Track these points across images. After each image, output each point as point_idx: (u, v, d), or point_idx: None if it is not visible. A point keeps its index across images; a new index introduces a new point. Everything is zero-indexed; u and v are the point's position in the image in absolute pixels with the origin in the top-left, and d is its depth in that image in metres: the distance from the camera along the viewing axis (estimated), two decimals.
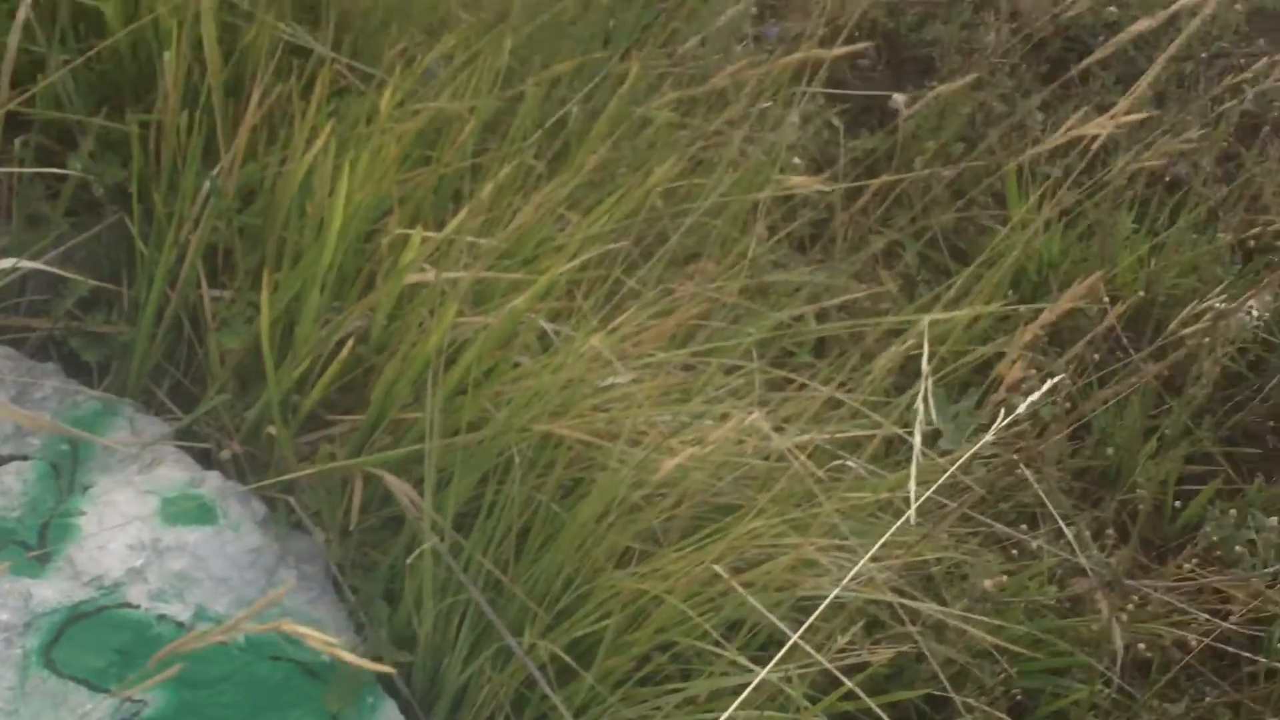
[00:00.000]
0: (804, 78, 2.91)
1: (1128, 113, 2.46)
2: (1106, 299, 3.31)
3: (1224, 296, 2.60)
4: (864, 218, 3.23)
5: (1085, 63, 3.02)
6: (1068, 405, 3.10)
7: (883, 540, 2.05)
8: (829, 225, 3.19)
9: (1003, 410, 2.11)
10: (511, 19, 2.77)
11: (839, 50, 2.47)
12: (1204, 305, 2.56)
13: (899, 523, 1.96)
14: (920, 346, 2.65)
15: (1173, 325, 2.59)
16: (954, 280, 2.85)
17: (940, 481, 2.17)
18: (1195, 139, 3.70)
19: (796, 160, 3.05)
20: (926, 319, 2.33)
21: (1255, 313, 2.65)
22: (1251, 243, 3.58)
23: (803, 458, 2.26)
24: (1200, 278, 3.52)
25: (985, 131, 3.64)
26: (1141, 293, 3.46)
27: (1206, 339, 2.75)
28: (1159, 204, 3.68)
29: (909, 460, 2.63)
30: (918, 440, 1.92)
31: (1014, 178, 3.56)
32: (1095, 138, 2.67)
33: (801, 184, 2.43)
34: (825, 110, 3.49)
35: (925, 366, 1.96)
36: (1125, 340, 3.31)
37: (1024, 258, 3.44)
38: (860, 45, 2.52)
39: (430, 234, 2.42)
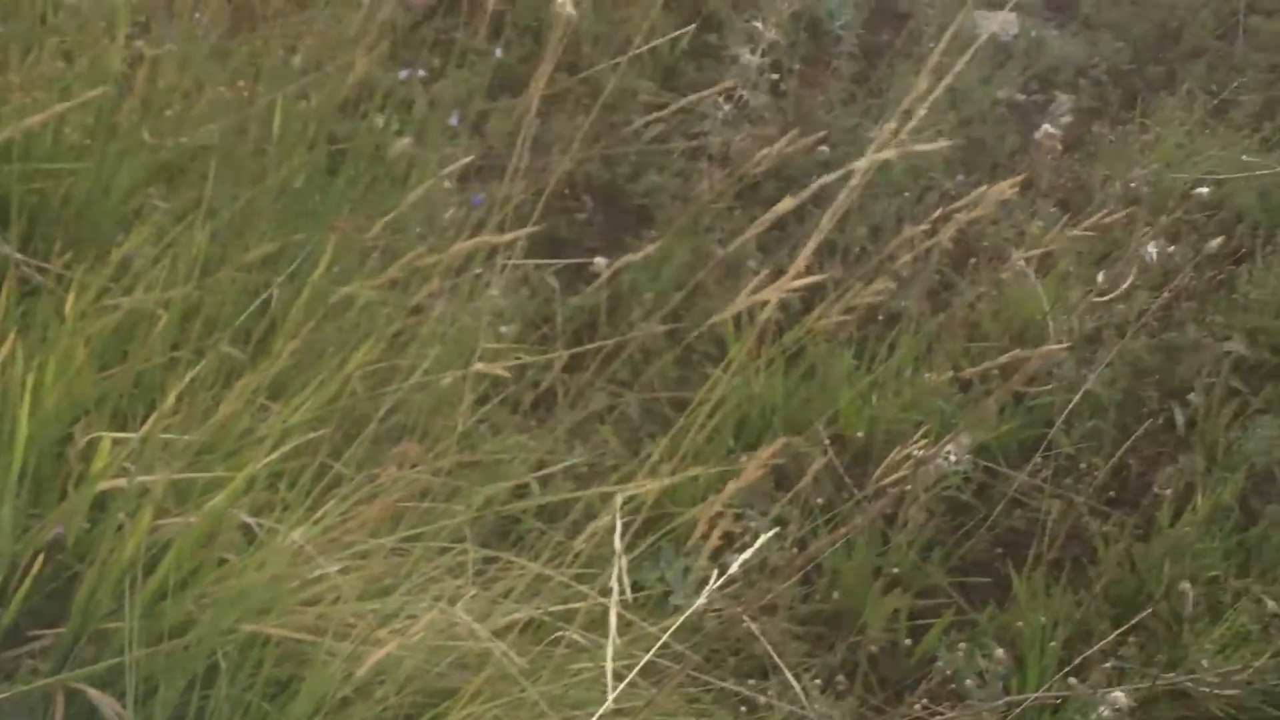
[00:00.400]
0: (507, 245, 2.90)
1: (810, 265, 2.48)
2: (827, 440, 3.34)
3: (924, 442, 2.63)
4: (583, 373, 3.23)
5: (788, 205, 3.03)
6: (795, 549, 3.12)
7: (597, 715, 2.03)
8: (547, 384, 3.18)
9: (716, 569, 2.11)
10: (207, 204, 2.74)
11: (510, 235, 2.48)
12: (905, 451, 2.59)
13: (604, 706, 1.94)
14: (642, 507, 2.66)
15: (879, 471, 2.62)
16: (672, 431, 2.85)
17: (655, 647, 2.16)
18: (908, 272, 3.78)
19: (504, 328, 3.04)
20: (619, 495, 2.32)
21: (953, 457, 2.69)
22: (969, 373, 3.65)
23: (502, 645, 2.23)
24: (921, 411, 3.57)
25: (702, 278, 3.67)
26: (860, 434, 3.49)
27: (909, 486, 2.80)
28: (877, 339, 3.73)
29: (635, 623, 2.63)
30: (613, 618, 1.91)
31: (730, 322, 3.59)
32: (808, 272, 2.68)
33: (488, 369, 2.42)
34: (541, 270, 3.50)
35: (618, 544, 1.95)
36: (849, 480, 3.35)
37: (745, 402, 3.47)
38: (525, 232, 2.52)
39: (124, 435, 2.37)
